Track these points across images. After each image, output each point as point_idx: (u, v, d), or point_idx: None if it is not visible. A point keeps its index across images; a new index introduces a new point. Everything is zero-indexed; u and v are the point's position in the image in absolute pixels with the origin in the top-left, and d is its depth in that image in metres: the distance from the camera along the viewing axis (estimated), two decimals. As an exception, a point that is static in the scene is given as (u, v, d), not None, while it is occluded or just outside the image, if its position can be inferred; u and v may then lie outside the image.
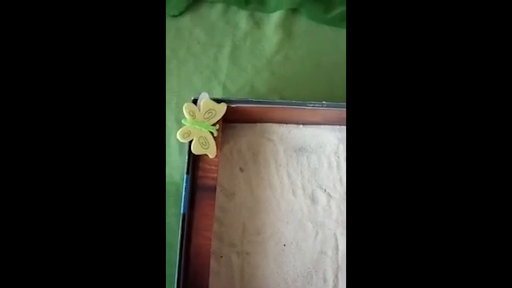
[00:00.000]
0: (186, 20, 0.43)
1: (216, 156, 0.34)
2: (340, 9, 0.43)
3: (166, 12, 0.43)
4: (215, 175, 0.34)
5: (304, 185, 0.38)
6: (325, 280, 0.36)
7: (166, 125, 0.39)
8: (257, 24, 0.44)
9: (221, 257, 0.36)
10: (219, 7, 0.44)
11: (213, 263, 0.35)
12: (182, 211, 0.32)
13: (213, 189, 0.34)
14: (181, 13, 0.43)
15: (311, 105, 0.35)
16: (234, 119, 0.38)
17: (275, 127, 0.39)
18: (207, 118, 0.34)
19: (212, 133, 0.34)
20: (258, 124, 0.39)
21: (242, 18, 0.44)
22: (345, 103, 0.35)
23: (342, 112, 0.37)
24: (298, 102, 0.35)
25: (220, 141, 0.35)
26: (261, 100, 0.35)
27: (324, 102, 0.35)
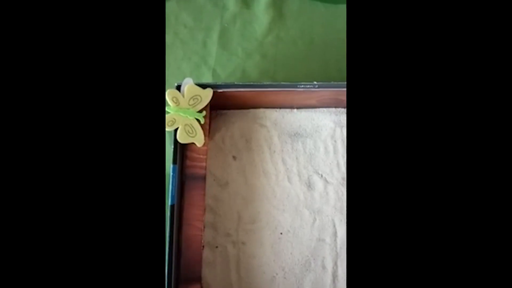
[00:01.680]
0: (173, 4, 0.42)
1: (205, 144, 0.33)
2: (333, -16, 0.41)
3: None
4: (204, 164, 0.33)
5: (300, 171, 0.37)
6: (324, 267, 0.34)
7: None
8: (246, 4, 0.42)
9: (217, 247, 0.35)
10: (206, -12, 0.42)
11: (208, 254, 0.34)
12: (170, 203, 0.31)
13: (203, 178, 0.33)
14: (166, -2, 0.42)
15: (302, 86, 0.33)
16: (225, 106, 0.36)
17: (268, 112, 0.38)
18: (192, 104, 0.32)
19: (198, 120, 0.32)
20: (251, 110, 0.38)
21: (230, -1, 0.42)
22: (338, 83, 0.33)
23: (337, 94, 0.35)
24: (288, 84, 0.34)
25: (209, 128, 0.34)
26: (249, 83, 0.34)
27: (315, 82, 0.33)
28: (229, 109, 0.38)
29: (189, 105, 0.32)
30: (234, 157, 0.37)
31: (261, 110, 0.38)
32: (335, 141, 0.37)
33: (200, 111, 0.33)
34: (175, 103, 0.32)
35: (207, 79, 0.40)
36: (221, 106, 0.36)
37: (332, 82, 0.33)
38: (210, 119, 0.34)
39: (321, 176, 0.37)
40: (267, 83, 0.34)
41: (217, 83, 0.33)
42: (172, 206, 0.31)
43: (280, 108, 0.38)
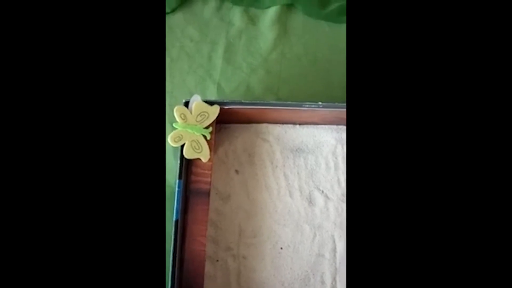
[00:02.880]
0: (179, 17, 0.42)
1: (210, 159, 0.33)
2: (337, 4, 0.42)
3: (158, 9, 0.41)
4: (209, 179, 0.33)
5: (301, 187, 0.37)
6: (323, 283, 0.35)
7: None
8: (252, 20, 0.42)
9: (217, 261, 0.35)
10: (212, 3, 0.43)
11: (209, 267, 0.35)
12: (174, 218, 0.31)
13: (207, 193, 0.33)
14: (173, 10, 0.42)
15: (307, 106, 0.34)
16: (229, 120, 0.37)
17: (271, 127, 0.39)
18: (200, 121, 0.33)
19: (205, 136, 0.33)
20: (254, 125, 0.39)
21: (236, 14, 0.42)
22: (342, 104, 0.34)
23: (339, 112, 0.36)
24: (293, 103, 0.34)
25: (214, 143, 0.34)
26: (255, 101, 0.34)
27: (320, 102, 0.34)
28: (232, 123, 0.38)
29: (197, 121, 0.33)
30: (236, 171, 0.37)
31: (264, 125, 0.39)
32: (336, 158, 0.38)
33: (207, 127, 0.33)
34: (183, 119, 0.32)
35: (212, 93, 0.40)
36: (225, 121, 0.37)
37: (336, 103, 0.34)
38: (214, 133, 0.35)
39: (322, 192, 0.37)
40: (273, 102, 0.35)
41: (224, 100, 0.34)
42: (176, 221, 0.31)
43: (283, 123, 0.39)
